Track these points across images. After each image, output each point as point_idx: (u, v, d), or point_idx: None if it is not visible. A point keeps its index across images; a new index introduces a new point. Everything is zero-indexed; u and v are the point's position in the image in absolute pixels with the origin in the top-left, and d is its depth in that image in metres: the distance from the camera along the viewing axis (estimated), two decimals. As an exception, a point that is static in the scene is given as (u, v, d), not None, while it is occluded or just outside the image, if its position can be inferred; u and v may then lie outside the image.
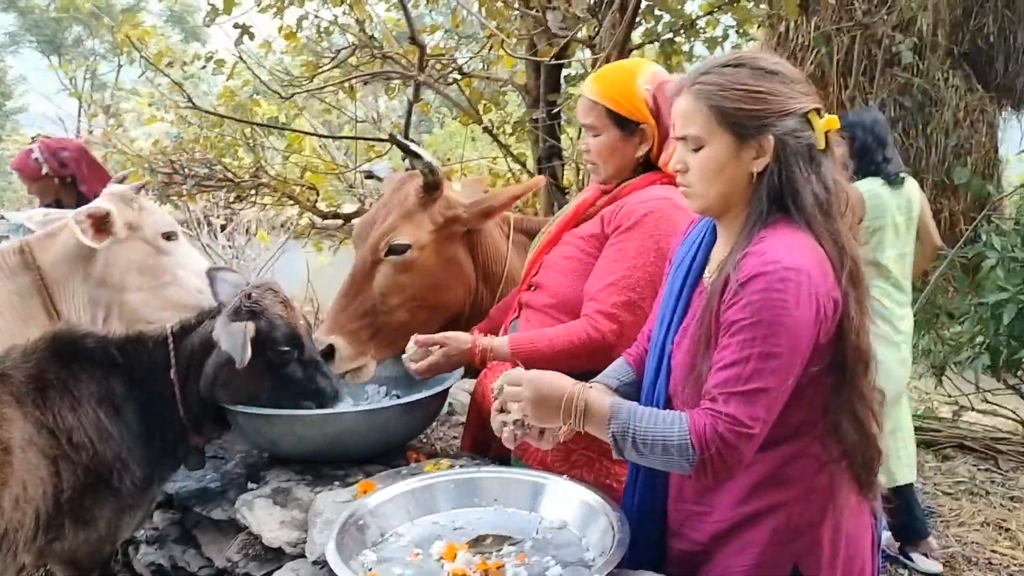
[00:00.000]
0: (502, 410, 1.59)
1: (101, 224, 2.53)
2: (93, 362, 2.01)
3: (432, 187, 2.36)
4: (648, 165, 2.15)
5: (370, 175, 2.71)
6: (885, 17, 5.03)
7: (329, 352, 2.25)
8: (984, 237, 4.96)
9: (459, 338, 2.11)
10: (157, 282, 2.65)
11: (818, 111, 1.51)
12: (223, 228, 8.63)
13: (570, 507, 1.77)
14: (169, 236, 2.69)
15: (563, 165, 4.63)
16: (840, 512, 1.54)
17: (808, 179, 1.47)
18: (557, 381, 1.55)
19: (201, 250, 8.35)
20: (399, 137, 2.43)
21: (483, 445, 2.33)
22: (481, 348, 2.08)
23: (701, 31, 4.63)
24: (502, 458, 2.19)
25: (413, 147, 2.38)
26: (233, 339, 1.92)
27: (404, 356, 2.14)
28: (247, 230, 8.92)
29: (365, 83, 4.82)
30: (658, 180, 2.11)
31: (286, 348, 2.04)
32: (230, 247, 8.71)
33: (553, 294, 2.14)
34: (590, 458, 2.09)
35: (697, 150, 1.52)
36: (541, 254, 2.23)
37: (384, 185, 2.54)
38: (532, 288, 2.21)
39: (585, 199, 2.24)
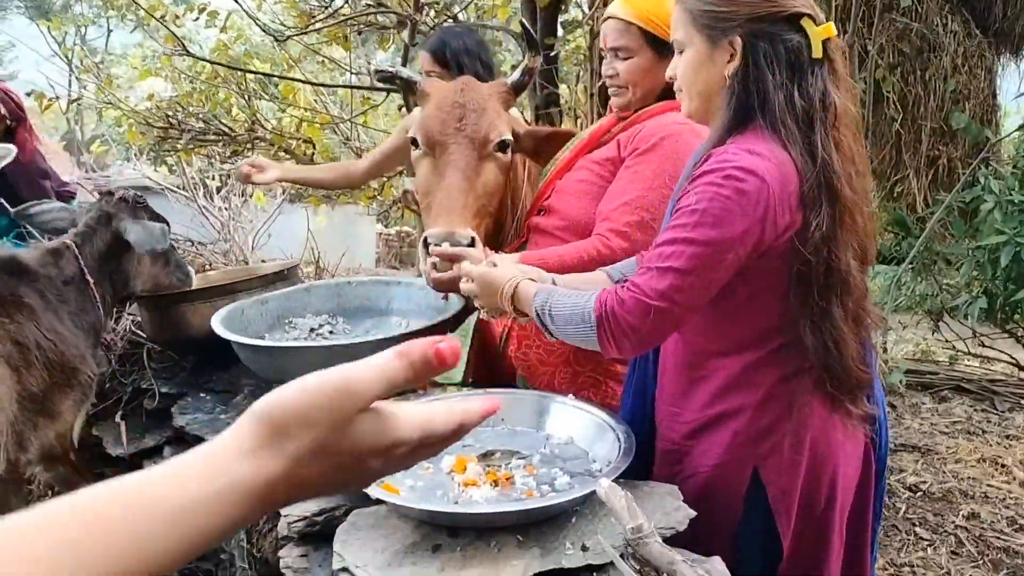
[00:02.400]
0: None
1: None
2: (33, 276, 2.20)
3: (522, 87, 2.29)
4: (668, 93, 2.15)
5: (388, 76, 2.43)
6: (883, -39, 4.97)
7: (471, 246, 2.05)
8: (982, 181, 4.96)
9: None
10: None
11: (812, 17, 1.50)
12: (219, 190, 8.58)
13: (576, 424, 1.80)
14: None
15: (560, 113, 4.61)
16: (803, 423, 1.57)
17: (781, 85, 1.47)
18: (498, 274, 1.72)
19: (197, 212, 8.32)
20: (524, 21, 2.30)
21: (487, 375, 2.36)
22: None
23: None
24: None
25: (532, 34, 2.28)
26: (150, 235, 2.34)
27: (426, 267, 2.07)
28: (243, 192, 8.86)
29: (360, 32, 4.78)
30: (678, 107, 2.11)
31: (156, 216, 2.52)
32: (226, 209, 8.67)
33: (564, 216, 2.14)
34: (596, 380, 2.13)
35: (682, 54, 1.57)
36: (554, 179, 2.23)
37: (427, 86, 2.31)
38: (542, 212, 2.21)
39: (601, 126, 2.24)
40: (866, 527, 1.73)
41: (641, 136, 2.07)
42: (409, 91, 2.37)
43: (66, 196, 3.98)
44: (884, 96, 5.89)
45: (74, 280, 2.27)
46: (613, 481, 1.37)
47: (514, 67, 4.83)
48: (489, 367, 2.36)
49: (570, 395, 1.89)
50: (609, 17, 2.12)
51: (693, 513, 1.50)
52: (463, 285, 1.81)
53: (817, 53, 1.48)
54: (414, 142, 2.22)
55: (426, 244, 2.01)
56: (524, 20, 2.35)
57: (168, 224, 2.53)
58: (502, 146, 2.18)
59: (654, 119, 2.11)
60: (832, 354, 1.49)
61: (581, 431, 1.78)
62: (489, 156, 2.16)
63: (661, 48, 2.08)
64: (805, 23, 1.48)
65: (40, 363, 2.08)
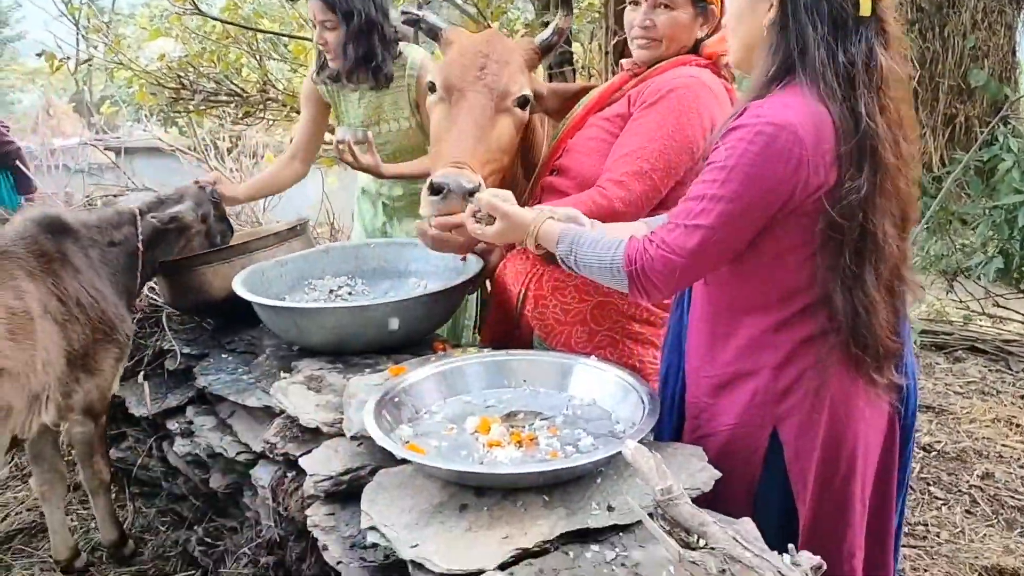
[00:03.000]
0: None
1: None
2: (76, 235, 2.31)
3: (550, 48, 2.25)
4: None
5: (414, 20, 2.35)
6: (904, -87, 4.87)
7: (476, 191, 1.93)
8: (1000, 140, 4.90)
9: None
10: None
11: None
12: (229, 151, 8.56)
13: (599, 386, 1.81)
14: None
15: (575, 71, 4.56)
16: (823, 386, 1.55)
17: (822, 39, 1.43)
18: (525, 214, 1.73)
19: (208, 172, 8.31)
20: None
21: (504, 337, 2.36)
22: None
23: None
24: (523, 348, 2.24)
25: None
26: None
27: (426, 211, 2.00)
28: (253, 153, 8.85)
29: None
30: (691, 62, 2.08)
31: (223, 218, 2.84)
32: (237, 170, 8.66)
33: (576, 175, 2.13)
34: (613, 339, 2.14)
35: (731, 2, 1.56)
36: (564, 139, 2.21)
37: (451, 35, 2.28)
38: (554, 172, 2.20)
39: (612, 84, 2.21)
40: (891, 496, 1.71)
41: (650, 90, 2.05)
42: (432, 38, 2.33)
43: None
44: (902, 53, 5.80)
45: (123, 244, 2.41)
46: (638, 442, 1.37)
47: (527, 27, 4.77)
48: (507, 330, 2.37)
49: (593, 356, 1.90)
50: None
51: (718, 474, 1.51)
52: (474, 227, 1.80)
53: (865, 11, 1.44)
54: (431, 87, 2.17)
55: (432, 188, 1.94)
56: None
57: (232, 230, 2.81)
58: (522, 102, 2.13)
59: (665, 72, 2.08)
60: (861, 319, 1.48)
61: (604, 392, 1.78)
62: (507, 110, 2.11)
63: (700, 4, 2.05)
64: None
65: (83, 319, 2.19)
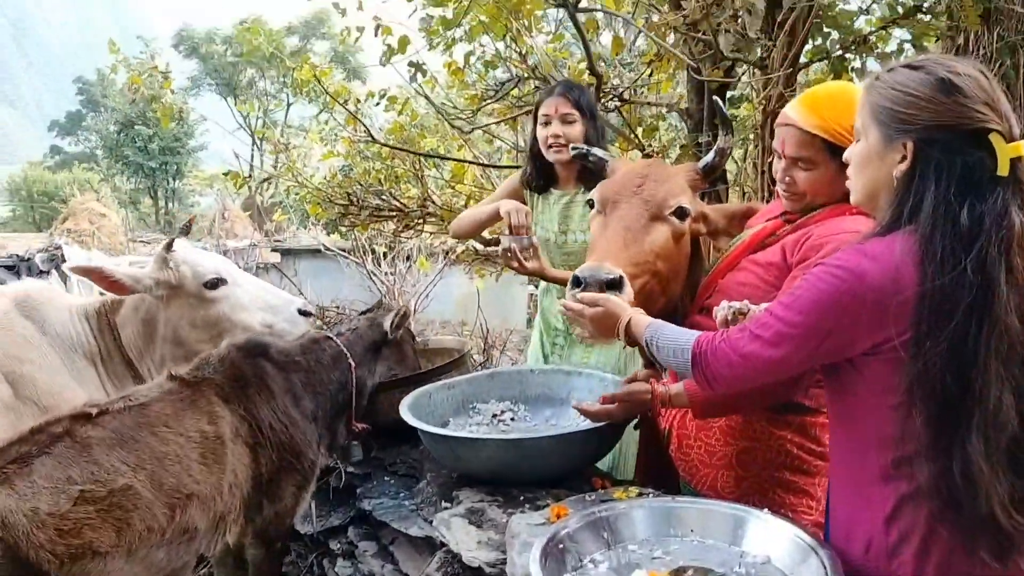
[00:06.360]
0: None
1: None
2: (276, 363, 2.39)
3: (713, 170, 2.30)
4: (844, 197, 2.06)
5: (582, 154, 2.54)
6: (1077, 23, 4.65)
7: (618, 283, 2.00)
8: None
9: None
10: (215, 331, 2.68)
11: (1002, 134, 1.42)
12: (385, 255, 9.04)
13: (774, 542, 1.71)
14: (215, 284, 2.64)
15: (727, 188, 4.54)
16: (925, 551, 1.48)
17: (943, 198, 1.40)
18: (618, 304, 1.92)
19: (366, 276, 8.76)
20: (716, 100, 2.37)
21: (656, 476, 2.31)
22: (660, 395, 2.08)
23: (873, 46, 4.44)
24: (673, 487, 2.24)
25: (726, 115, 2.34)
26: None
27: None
28: (408, 257, 9.30)
29: (528, 112, 4.91)
30: (846, 212, 1.98)
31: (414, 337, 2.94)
32: (391, 273, 9.11)
33: None
34: (762, 487, 2.06)
35: (858, 142, 1.58)
36: (716, 277, 2.17)
37: (616, 165, 2.42)
38: (703, 312, 2.15)
39: (766, 228, 2.15)
40: None
41: (809, 244, 1.98)
42: (599, 170, 2.43)
43: None
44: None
45: (329, 367, 2.50)
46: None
47: (683, 147, 4.83)
48: (659, 467, 2.32)
49: (766, 509, 1.81)
50: (789, 124, 2.01)
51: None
52: (580, 311, 1.94)
53: (1003, 171, 1.40)
54: (590, 203, 2.28)
55: (576, 282, 2.01)
56: (716, 99, 2.40)
57: (414, 337, 2.93)
58: (679, 213, 2.17)
59: (823, 225, 2.01)
60: (961, 490, 1.39)
61: (780, 551, 1.69)
62: (662, 218, 2.16)
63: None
64: (994, 139, 1.41)
65: (271, 444, 2.26)
